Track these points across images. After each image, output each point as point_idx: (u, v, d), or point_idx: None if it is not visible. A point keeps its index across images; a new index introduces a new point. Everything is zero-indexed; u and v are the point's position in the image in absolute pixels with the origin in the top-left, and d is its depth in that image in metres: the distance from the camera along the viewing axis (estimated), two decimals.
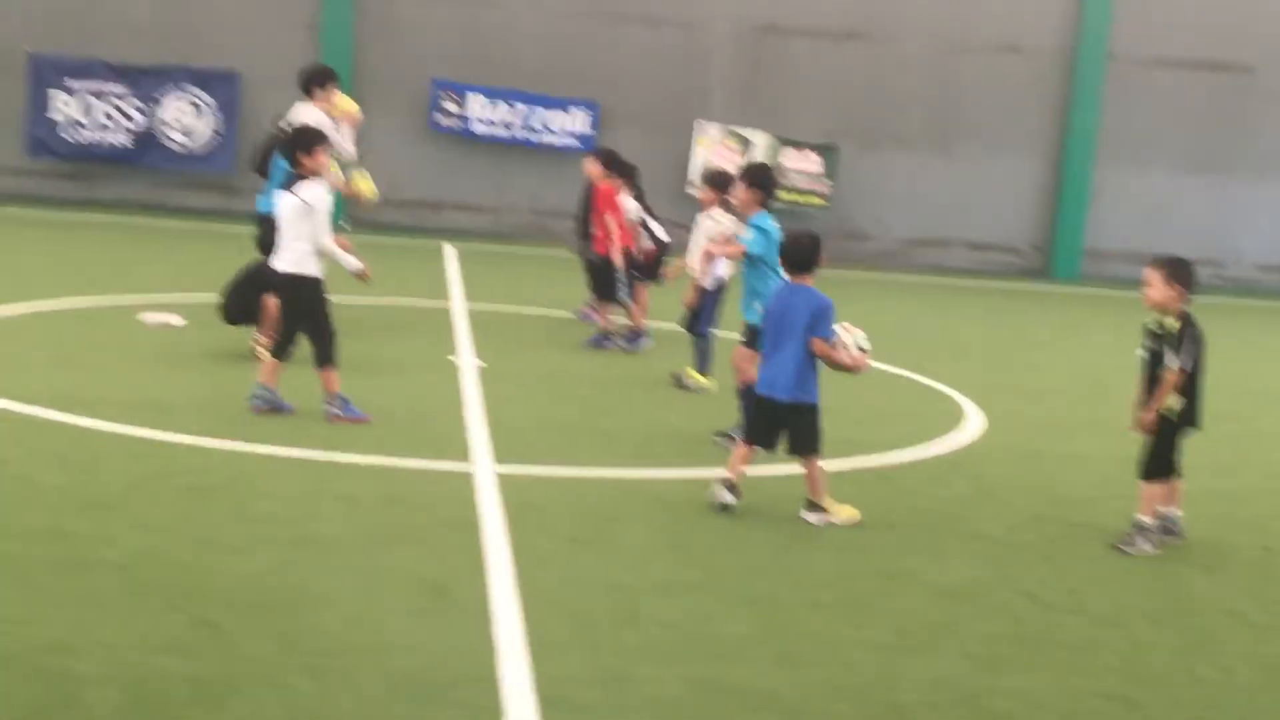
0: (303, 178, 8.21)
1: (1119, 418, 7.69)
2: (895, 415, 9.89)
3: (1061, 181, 23.48)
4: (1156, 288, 6.75)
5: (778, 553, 6.28)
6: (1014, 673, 5.07)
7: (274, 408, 8.19)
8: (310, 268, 8.17)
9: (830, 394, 10.64)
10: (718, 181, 10.39)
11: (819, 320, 6.82)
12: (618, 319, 12.21)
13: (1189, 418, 6.82)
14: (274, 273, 8.36)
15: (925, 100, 23.21)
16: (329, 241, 8.20)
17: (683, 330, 10.51)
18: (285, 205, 8.21)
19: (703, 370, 10.26)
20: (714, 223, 10.18)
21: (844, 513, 6.84)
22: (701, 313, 10.23)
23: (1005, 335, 16.04)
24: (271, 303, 9.64)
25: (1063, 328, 17.07)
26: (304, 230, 8.12)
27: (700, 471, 7.62)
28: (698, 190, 10.57)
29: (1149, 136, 23.29)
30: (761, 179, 8.51)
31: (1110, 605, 5.92)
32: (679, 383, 10.27)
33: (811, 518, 6.80)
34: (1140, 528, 6.78)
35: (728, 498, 6.80)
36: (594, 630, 5.10)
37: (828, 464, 7.05)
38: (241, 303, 9.97)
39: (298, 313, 8.24)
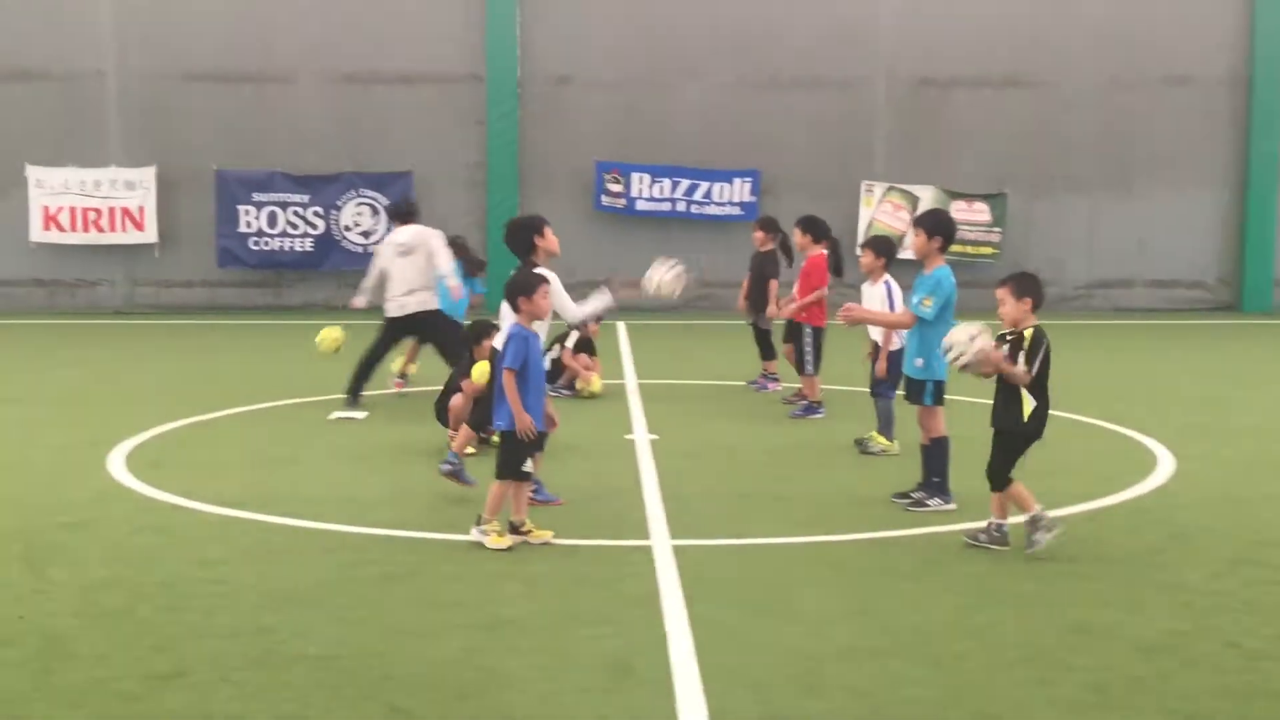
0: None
1: None
2: (1082, 464, 9.62)
3: (1246, 211, 22.65)
4: (1008, 305, 7.04)
5: (962, 612, 6.15)
6: None
7: (457, 475, 8.45)
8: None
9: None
10: (882, 249, 10.26)
11: (505, 352, 7.28)
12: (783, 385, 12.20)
13: (1038, 430, 7.03)
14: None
15: (1095, 140, 22.74)
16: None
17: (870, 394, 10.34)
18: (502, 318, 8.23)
19: (887, 434, 10.09)
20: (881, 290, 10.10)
21: (498, 540, 7.20)
22: (889, 376, 9.96)
23: (1195, 374, 15.46)
24: (456, 403, 9.95)
25: (1256, 362, 16.39)
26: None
27: (878, 534, 7.53)
28: (861, 256, 10.45)
29: None
30: (940, 226, 8.23)
31: None
32: (863, 448, 10.12)
33: (474, 532, 7.29)
34: (1035, 523, 6.99)
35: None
36: (778, 701, 5.06)
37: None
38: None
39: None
